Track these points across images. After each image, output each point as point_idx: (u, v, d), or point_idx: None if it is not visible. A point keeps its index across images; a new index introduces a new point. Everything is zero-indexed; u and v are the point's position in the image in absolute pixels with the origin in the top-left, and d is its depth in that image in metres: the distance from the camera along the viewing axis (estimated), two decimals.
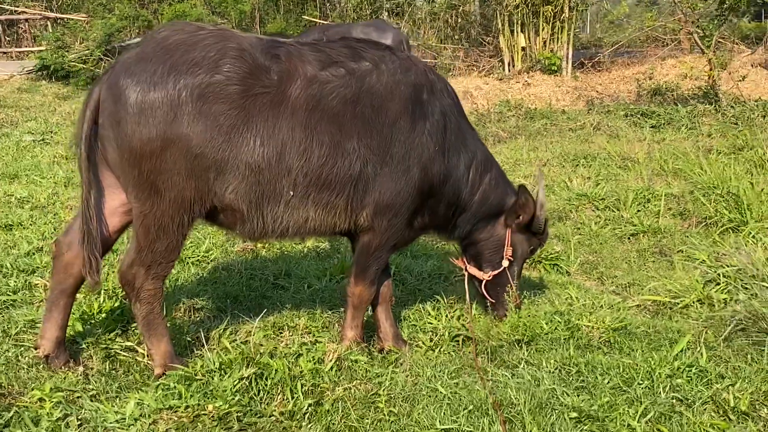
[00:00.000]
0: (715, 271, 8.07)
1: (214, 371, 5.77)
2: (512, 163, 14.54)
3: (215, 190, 5.80)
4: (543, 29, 24.13)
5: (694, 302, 7.65)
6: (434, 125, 6.41)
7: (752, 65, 23.50)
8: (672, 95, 21.44)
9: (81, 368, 6.14)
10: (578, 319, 6.96)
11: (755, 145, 14.61)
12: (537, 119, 19.51)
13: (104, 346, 6.51)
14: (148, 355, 6.23)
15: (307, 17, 26.02)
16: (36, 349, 6.25)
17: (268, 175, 5.85)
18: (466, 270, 7.18)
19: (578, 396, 5.62)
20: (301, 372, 5.82)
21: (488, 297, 7.11)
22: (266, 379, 5.71)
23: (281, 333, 6.81)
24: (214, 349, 6.40)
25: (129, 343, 6.56)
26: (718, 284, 7.90)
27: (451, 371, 6.14)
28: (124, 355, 6.44)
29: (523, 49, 24.50)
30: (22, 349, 6.43)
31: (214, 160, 5.68)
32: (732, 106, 18.56)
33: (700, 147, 14.98)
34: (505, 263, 7.03)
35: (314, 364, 5.96)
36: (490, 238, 7.03)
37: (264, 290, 8.10)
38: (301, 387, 5.69)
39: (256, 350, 5.99)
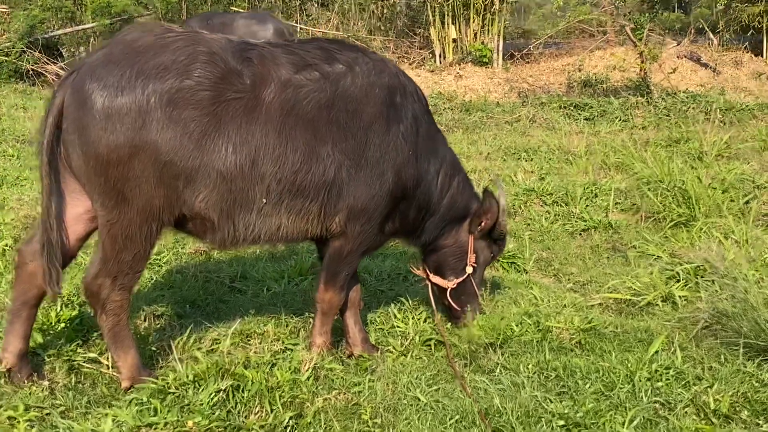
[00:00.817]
0: (673, 268, 8.09)
1: (188, 384, 5.59)
2: None
3: (185, 198, 5.63)
4: (473, 21, 24.15)
5: (656, 300, 7.65)
6: (408, 129, 6.31)
7: (678, 56, 23.80)
8: (602, 87, 21.64)
9: (46, 382, 5.92)
10: (547, 321, 6.91)
11: (690, 137, 14.81)
12: (473, 112, 19.50)
13: (66, 357, 6.29)
14: (114, 368, 6.02)
15: (235, 8, 25.66)
16: None
17: (241, 182, 5.69)
18: (428, 279, 7.08)
19: (561, 402, 5.55)
20: (278, 383, 5.66)
21: (452, 305, 6.98)
22: (243, 391, 5.55)
23: (249, 340, 6.66)
24: (183, 359, 6.22)
25: (92, 354, 6.35)
26: (678, 281, 7.92)
27: (428, 378, 6.04)
28: (88, 367, 6.23)
29: (454, 41, 24.50)
30: None
31: (184, 168, 5.51)
32: (663, 98, 18.77)
33: (637, 140, 15.09)
34: (469, 270, 6.93)
35: (291, 374, 5.80)
36: (454, 245, 6.92)
37: (221, 294, 7.93)
38: (280, 398, 5.54)
39: (231, 361, 5.81)
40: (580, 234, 10.17)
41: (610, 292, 7.98)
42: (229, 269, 8.49)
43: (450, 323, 7.08)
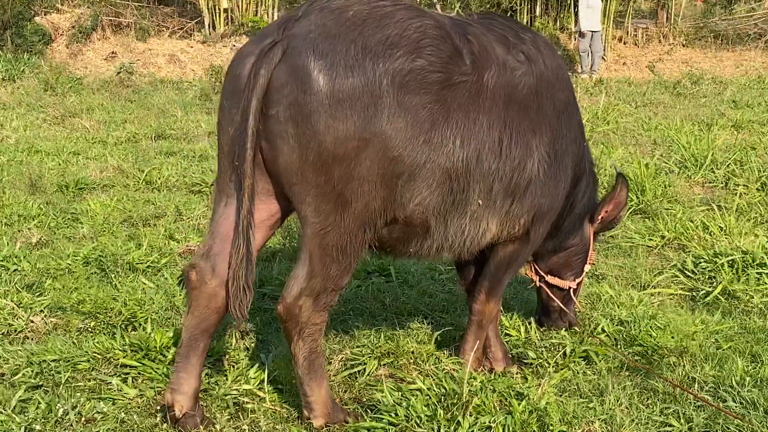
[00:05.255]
0: (716, 260, 7.89)
1: (426, 418, 4.74)
2: None
3: (401, 200, 4.72)
4: None
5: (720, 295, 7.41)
6: (581, 117, 5.72)
7: None
8: None
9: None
10: (669, 324, 6.50)
11: None
12: None
13: (219, 392, 5.20)
14: (305, 404, 4.97)
15: None
16: (168, 408, 4.81)
17: (464, 181, 4.88)
18: (542, 281, 6.35)
19: None
20: (523, 410, 4.90)
21: (576, 305, 6.44)
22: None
23: (399, 360, 5.75)
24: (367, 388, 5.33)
25: (246, 386, 5.27)
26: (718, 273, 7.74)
27: (630, 397, 5.44)
28: (250, 403, 5.17)
29: (226, 11, 23.30)
30: (111, 404, 5.03)
31: (410, 164, 4.63)
32: None
33: None
34: (587, 268, 6.38)
35: (526, 401, 5.04)
36: (580, 243, 6.27)
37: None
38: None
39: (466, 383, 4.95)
40: None
41: (660, 288, 7.67)
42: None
43: (555, 327, 6.47)
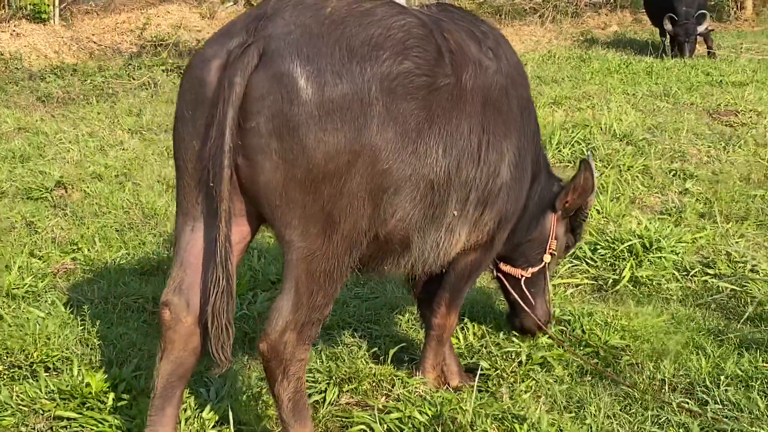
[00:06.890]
0: (614, 246, 7.76)
1: None
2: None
3: (383, 215, 4.29)
4: None
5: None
6: (536, 111, 5.41)
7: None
8: (183, 47, 20.60)
9: None
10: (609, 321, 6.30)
11: None
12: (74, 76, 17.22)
13: None
14: None
15: None
16: None
17: (444, 192, 4.50)
18: (497, 271, 5.87)
19: None
20: None
21: (526, 297, 5.81)
22: None
23: (361, 384, 5.26)
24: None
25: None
26: (620, 260, 7.63)
27: (612, 406, 5.16)
28: None
29: None
30: None
31: (397, 178, 4.22)
32: None
33: None
34: (547, 258, 5.85)
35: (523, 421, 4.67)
36: (540, 236, 5.81)
37: None
38: None
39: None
40: None
41: (567, 279, 7.48)
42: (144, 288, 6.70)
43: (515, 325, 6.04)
